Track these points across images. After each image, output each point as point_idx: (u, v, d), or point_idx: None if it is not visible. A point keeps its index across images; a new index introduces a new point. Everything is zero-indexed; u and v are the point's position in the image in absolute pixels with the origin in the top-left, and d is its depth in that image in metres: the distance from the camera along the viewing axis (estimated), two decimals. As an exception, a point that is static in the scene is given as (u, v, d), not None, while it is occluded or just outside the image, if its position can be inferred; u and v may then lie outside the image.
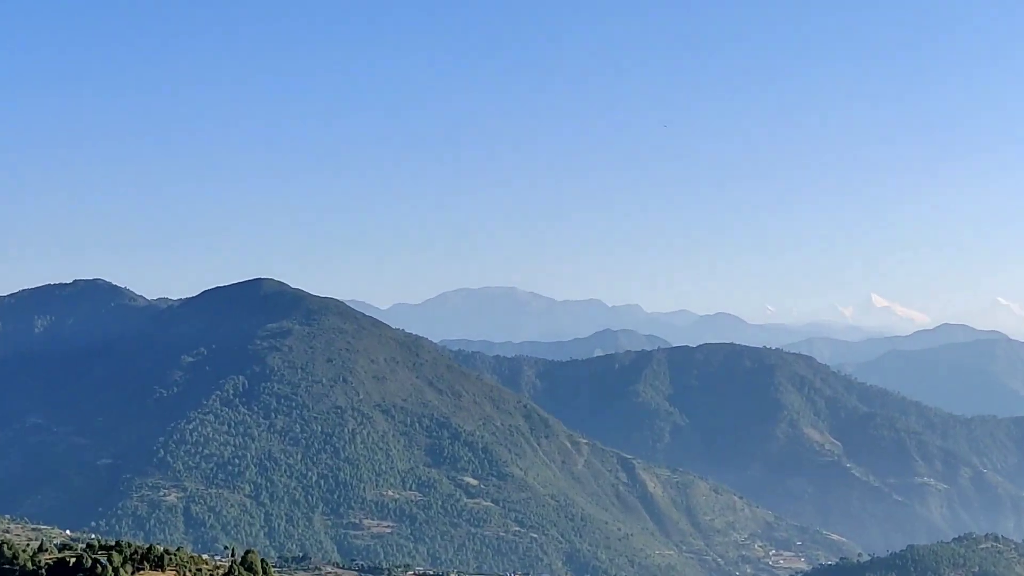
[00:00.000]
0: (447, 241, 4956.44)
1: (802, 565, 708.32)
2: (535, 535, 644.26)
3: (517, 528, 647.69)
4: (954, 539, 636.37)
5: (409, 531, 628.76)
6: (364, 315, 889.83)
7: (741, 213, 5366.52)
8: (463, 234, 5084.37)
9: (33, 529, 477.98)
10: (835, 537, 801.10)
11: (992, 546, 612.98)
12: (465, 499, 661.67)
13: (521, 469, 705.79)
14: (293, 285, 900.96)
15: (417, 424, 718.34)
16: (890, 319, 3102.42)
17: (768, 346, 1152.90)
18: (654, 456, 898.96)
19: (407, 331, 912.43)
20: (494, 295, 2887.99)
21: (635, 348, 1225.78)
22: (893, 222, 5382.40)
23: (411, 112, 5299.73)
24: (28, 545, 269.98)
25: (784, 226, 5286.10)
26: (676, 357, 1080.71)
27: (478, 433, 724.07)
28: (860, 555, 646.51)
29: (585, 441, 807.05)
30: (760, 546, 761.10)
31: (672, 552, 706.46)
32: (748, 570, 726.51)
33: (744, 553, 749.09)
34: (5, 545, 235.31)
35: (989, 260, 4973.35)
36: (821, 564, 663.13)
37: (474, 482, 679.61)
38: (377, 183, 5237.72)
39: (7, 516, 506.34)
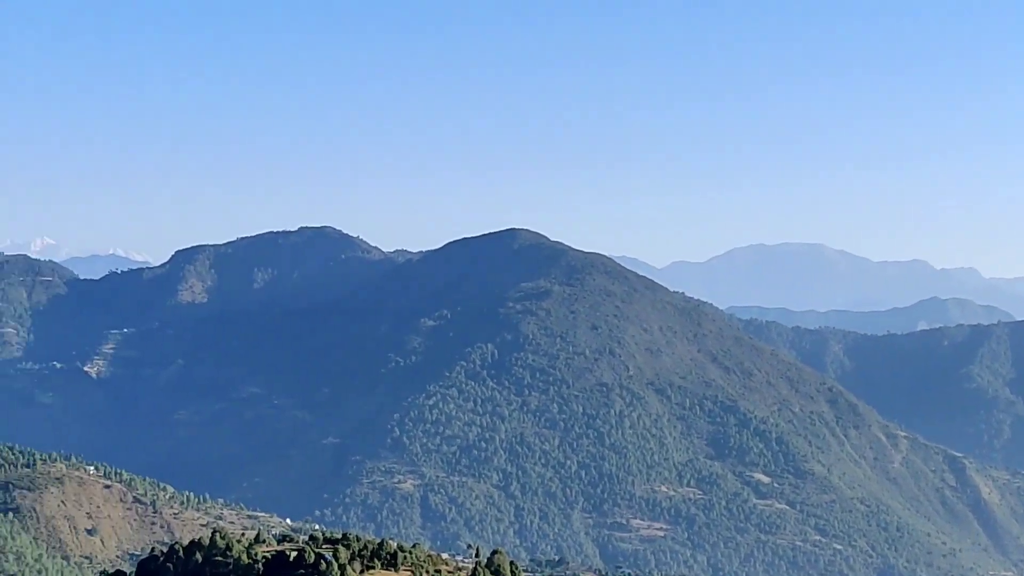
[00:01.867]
0: (739, 188, 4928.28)
1: None
2: (839, 546, 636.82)
3: (817, 537, 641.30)
4: None
5: (686, 535, 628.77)
6: (636, 275, 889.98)
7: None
8: (759, 179, 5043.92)
9: (249, 516, 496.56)
10: None
11: None
12: (754, 499, 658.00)
13: (823, 466, 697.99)
14: (552, 238, 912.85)
15: (697, 407, 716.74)
16: None
17: None
18: (990, 455, 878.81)
19: (687, 295, 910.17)
20: (795, 253, 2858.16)
21: (969, 322, 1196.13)
22: None
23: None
24: (243, 535, 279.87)
25: None
26: (1021, 333, 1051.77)
27: (771, 420, 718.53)
28: None
29: (904, 434, 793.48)
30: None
31: (1010, 573, 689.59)
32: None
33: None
34: (218, 534, 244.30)
35: None
36: None
37: (766, 479, 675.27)
38: (658, 114, 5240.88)
39: (220, 500, 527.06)
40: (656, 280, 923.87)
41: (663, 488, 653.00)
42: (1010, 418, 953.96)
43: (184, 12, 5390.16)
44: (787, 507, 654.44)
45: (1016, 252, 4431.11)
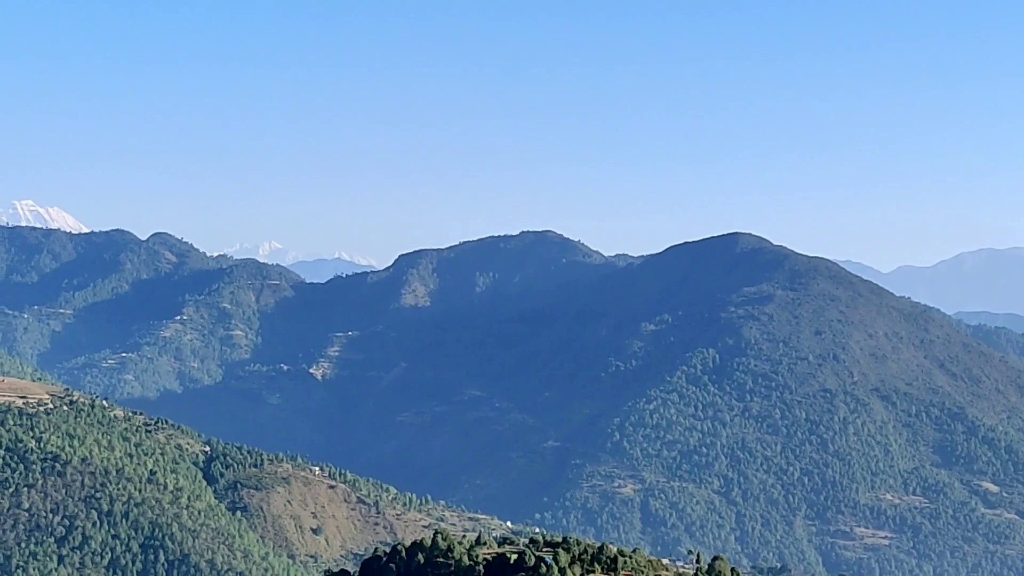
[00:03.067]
0: (968, 191, 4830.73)
1: None
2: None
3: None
4: None
5: (911, 544, 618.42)
6: (861, 279, 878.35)
7: None
8: (988, 182, 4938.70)
9: (470, 518, 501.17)
10: None
11: None
12: (983, 508, 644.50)
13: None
14: (775, 242, 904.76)
15: (924, 414, 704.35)
16: None
17: None
18: None
19: (914, 300, 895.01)
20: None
21: None
22: None
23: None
24: (464, 537, 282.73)
25: None
26: None
27: (1001, 428, 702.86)
28: None
29: None
30: None
31: None
32: None
33: None
34: (440, 536, 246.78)
35: None
36: None
37: (995, 488, 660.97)
38: (879, 109, 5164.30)
39: (442, 502, 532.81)
40: (881, 285, 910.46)
41: (888, 496, 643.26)
42: None
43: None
44: (1016, 517, 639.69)
45: None
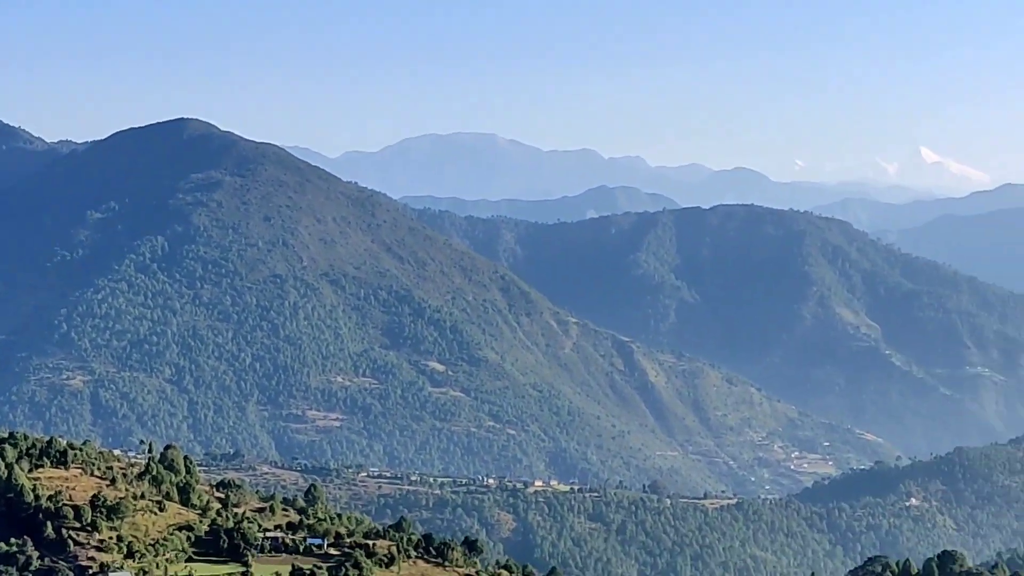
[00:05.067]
0: (411, 76, 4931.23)
1: (830, 470, 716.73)
2: (512, 431, 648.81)
3: (491, 423, 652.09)
4: (1011, 440, 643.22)
5: (362, 425, 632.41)
6: (309, 165, 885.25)
7: (765, 46, 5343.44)
8: (431, 67, 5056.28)
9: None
10: (869, 437, 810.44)
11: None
12: (430, 388, 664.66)
13: (497, 353, 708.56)
14: (223, 127, 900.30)
15: (372, 297, 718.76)
16: (942, 177, 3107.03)
17: (796, 208, 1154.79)
18: (656, 340, 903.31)
19: (361, 185, 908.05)
20: (467, 143, 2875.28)
21: (636, 209, 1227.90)
22: (949, 60, 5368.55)
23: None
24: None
25: (817, 63, 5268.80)
26: (685, 221, 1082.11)
27: (446, 309, 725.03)
28: (899, 458, 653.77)
29: (574, 320, 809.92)
30: (780, 447, 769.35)
31: (676, 453, 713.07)
32: (765, 475, 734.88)
33: (761, 455, 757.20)
34: None
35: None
36: (852, 468, 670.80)
37: (440, 368, 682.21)
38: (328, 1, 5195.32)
39: None
40: (329, 170, 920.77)
41: (339, 379, 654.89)
42: (675, 303, 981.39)
43: None
44: (462, 394, 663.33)
45: (681, 141, 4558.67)
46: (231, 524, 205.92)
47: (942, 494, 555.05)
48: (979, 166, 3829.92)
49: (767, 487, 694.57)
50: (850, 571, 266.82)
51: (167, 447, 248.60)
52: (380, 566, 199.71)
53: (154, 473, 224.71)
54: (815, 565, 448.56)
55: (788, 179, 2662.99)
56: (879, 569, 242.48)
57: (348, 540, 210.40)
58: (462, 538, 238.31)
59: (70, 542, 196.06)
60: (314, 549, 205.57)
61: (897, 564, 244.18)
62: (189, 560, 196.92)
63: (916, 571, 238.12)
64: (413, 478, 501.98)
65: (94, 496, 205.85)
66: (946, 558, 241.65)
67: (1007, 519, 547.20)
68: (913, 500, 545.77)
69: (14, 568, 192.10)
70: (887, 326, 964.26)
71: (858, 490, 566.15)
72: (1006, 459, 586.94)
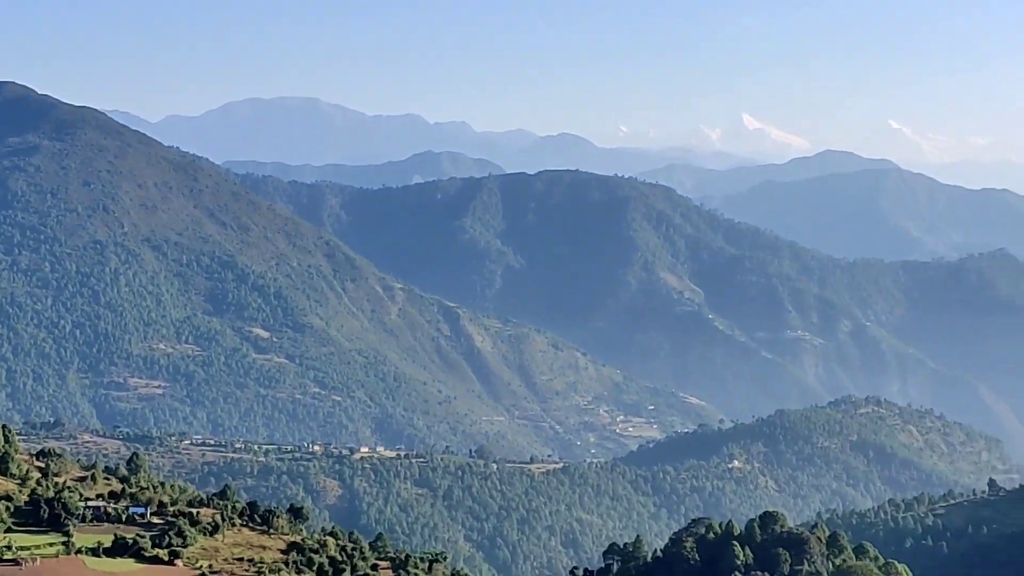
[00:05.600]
0: (232, 40, 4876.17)
1: (654, 433, 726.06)
2: (338, 398, 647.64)
3: (317, 390, 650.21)
4: (830, 403, 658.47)
5: (185, 392, 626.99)
6: (130, 129, 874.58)
7: (589, 11, 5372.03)
8: (253, 30, 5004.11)
9: None
10: (693, 400, 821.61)
11: (873, 411, 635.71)
12: (254, 354, 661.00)
13: (322, 319, 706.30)
14: (40, 91, 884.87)
15: (195, 263, 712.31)
16: (764, 144, 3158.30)
17: (620, 174, 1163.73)
18: (483, 305, 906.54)
19: (182, 150, 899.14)
20: (291, 107, 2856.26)
21: (462, 175, 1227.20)
22: (769, 25, 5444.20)
23: None
24: None
25: (640, 29, 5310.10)
26: (511, 186, 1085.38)
27: (270, 275, 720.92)
28: (721, 421, 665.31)
29: (400, 286, 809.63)
30: (606, 411, 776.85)
31: (502, 418, 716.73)
32: (591, 438, 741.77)
33: (587, 419, 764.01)
34: None
35: (881, 75, 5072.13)
36: (676, 432, 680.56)
37: (264, 334, 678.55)
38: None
39: None
40: (150, 135, 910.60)
41: (161, 346, 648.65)
42: (501, 268, 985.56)
43: None
44: (286, 361, 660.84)
45: (506, 105, 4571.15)
46: (51, 494, 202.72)
47: (764, 456, 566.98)
48: (800, 133, 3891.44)
49: (593, 451, 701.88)
50: (674, 533, 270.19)
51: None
52: (204, 534, 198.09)
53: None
54: (640, 527, 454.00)
55: (613, 145, 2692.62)
56: (702, 530, 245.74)
57: (171, 509, 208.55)
58: (287, 505, 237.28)
59: None
60: (137, 518, 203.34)
61: (720, 525, 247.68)
62: (9, 531, 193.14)
63: (738, 532, 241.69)
64: (237, 446, 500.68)
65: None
66: (767, 519, 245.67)
67: (826, 480, 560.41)
68: (736, 462, 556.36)
69: None
70: (710, 291, 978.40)
71: (682, 453, 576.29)
72: (825, 421, 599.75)
